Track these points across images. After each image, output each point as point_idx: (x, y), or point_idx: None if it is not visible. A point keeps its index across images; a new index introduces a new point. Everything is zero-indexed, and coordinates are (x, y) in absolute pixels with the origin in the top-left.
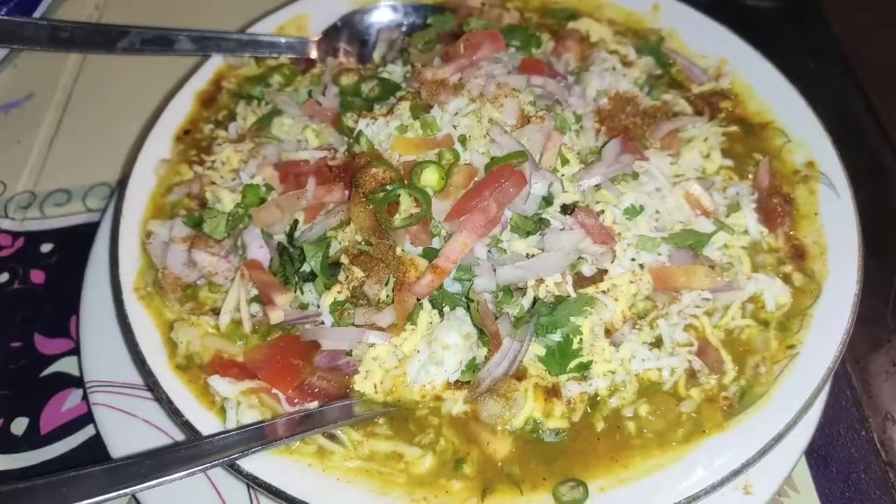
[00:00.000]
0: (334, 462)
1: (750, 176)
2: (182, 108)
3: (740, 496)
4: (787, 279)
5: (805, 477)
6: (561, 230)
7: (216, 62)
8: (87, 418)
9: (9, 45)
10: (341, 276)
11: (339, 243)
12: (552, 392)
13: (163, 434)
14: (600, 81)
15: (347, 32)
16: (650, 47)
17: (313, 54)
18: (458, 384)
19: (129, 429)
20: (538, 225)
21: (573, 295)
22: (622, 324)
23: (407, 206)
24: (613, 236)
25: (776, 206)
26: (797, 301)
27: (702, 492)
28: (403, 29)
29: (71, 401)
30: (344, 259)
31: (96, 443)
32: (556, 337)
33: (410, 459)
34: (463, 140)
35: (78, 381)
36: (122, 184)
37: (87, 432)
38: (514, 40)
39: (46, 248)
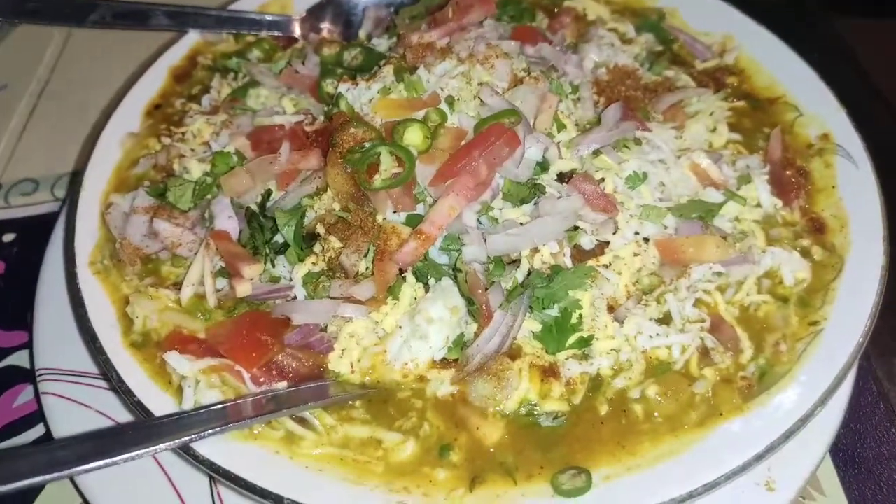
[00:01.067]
0: (304, 449)
1: (760, 151)
2: (154, 82)
3: (762, 492)
4: (805, 253)
5: (832, 479)
6: (558, 198)
7: (192, 38)
8: (38, 416)
9: None
10: (317, 248)
11: (315, 212)
12: (549, 372)
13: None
14: (598, 53)
15: (332, 11)
16: (650, 24)
17: (296, 33)
18: (444, 363)
19: (80, 420)
20: (532, 192)
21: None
22: (626, 299)
23: (388, 165)
24: (615, 204)
25: (790, 178)
26: (818, 276)
27: (721, 478)
28: (391, 8)
29: (23, 397)
30: (320, 229)
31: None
32: (554, 312)
33: (390, 446)
34: (451, 102)
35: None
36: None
37: (38, 430)
38: (507, 13)
39: (9, 237)
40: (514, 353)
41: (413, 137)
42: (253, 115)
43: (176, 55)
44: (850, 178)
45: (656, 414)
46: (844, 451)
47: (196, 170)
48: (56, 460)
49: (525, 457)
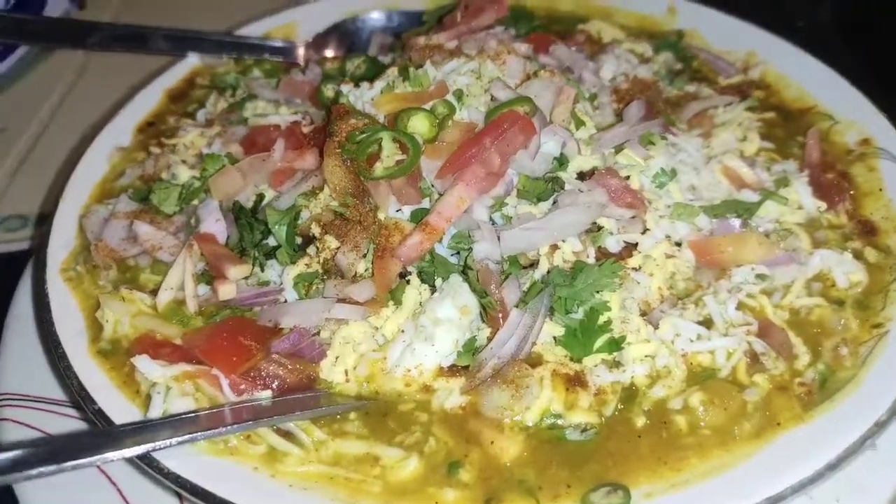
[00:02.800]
0: (288, 466)
1: (795, 159)
2: (148, 101)
3: None
4: (857, 256)
5: None
6: (579, 193)
7: (192, 61)
8: None
9: None
10: (311, 250)
11: (310, 212)
12: (575, 380)
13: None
14: (616, 65)
15: (337, 38)
16: (669, 43)
17: (300, 59)
18: (452, 370)
19: None
20: (550, 187)
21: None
22: (659, 302)
23: (390, 152)
24: (643, 200)
25: (832, 181)
26: (874, 278)
27: (787, 490)
28: (397, 34)
29: None
30: (315, 229)
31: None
32: (578, 315)
33: (389, 463)
34: (459, 95)
35: None
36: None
37: None
38: (519, 31)
39: None
40: (534, 362)
41: (418, 125)
42: (248, 126)
43: (173, 77)
44: None
45: (702, 424)
46: None
47: (184, 175)
48: None
49: (549, 475)
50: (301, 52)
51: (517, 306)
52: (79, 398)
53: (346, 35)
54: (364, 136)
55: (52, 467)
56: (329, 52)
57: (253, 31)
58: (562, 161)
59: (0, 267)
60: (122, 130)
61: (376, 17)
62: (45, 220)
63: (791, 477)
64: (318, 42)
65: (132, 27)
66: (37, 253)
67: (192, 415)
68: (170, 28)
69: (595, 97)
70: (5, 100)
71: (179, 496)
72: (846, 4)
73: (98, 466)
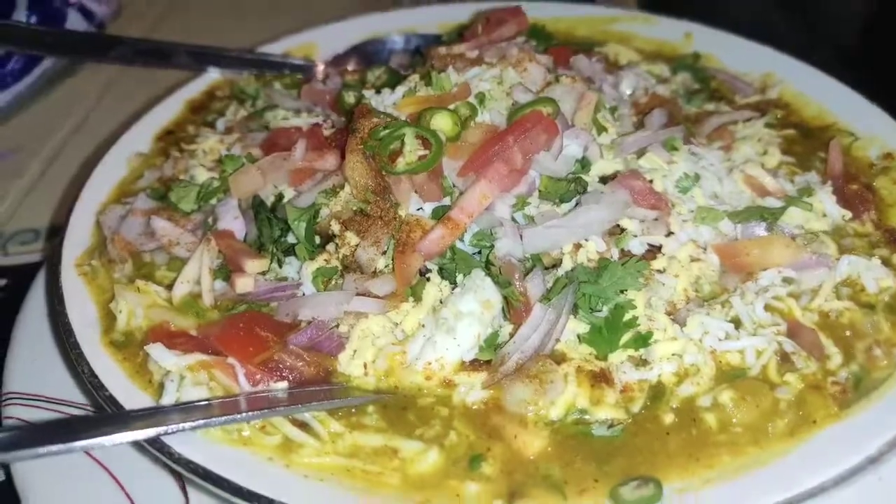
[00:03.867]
0: (303, 456)
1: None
2: (168, 111)
3: None
4: (885, 263)
5: None
6: (602, 194)
7: (213, 76)
8: None
9: None
10: (330, 247)
11: (330, 210)
12: (601, 377)
13: (86, 458)
14: (635, 81)
15: (356, 58)
16: (685, 65)
17: (319, 77)
18: (475, 365)
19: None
20: (573, 188)
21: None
22: (685, 303)
23: (413, 148)
24: (666, 201)
25: (856, 192)
26: None
27: (829, 482)
28: (416, 55)
29: None
30: (335, 226)
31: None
32: (603, 313)
33: (408, 455)
34: (481, 98)
35: None
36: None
37: None
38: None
39: (1, 282)
40: (558, 359)
41: (441, 123)
42: (268, 131)
43: (194, 89)
44: None
45: (734, 420)
46: None
47: (203, 176)
48: None
49: (575, 469)
50: (321, 68)
51: (541, 301)
52: (89, 385)
53: (365, 56)
54: (387, 131)
55: (60, 446)
56: (348, 70)
57: (273, 49)
58: (584, 164)
59: (12, 277)
60: (141, 137)
61: (395, 39)
62: (55, 232)
63: (831, 470)
64: (338, 61)
65: (154, 42)
66: (50, 254)
67: (206, 402)
68: (191, 44)
69: (615, 109)
70: (25, 119)
71: (185, 495)
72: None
73: (101, 463)
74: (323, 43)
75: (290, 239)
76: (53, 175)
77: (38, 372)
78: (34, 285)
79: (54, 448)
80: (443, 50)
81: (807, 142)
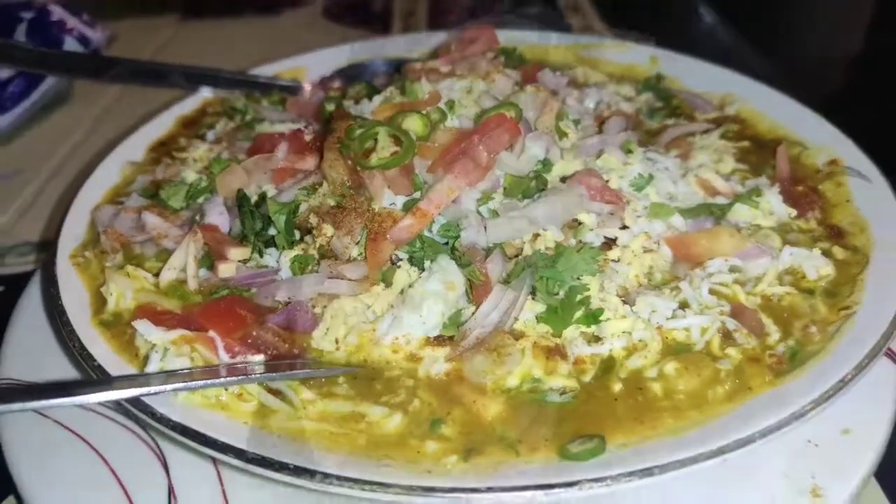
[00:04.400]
0: (276, 421)
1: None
2: (161, 125)
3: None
4: (826, 254)
5: None
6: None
7: (206, 94)
8: None
9: None
10: (308, 239)
11: (309, 206)
12: (555, 351)
13: (76, 437)
14: (599, 96)
15: (341, 80)
16: (649, 85)
17: (306, 96)
18: (439, 339)
19: (34, 430)
20: (535, 185)
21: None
22: (637, 287)
23: (385, 144)
24: (621, 197)
25: (802, 192)
26: (842, 271)
27: (756, 434)
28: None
29: None
30: (313, 219)
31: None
32: (559, 296)
33: (374, 419)
34: (451, 105)
35: None
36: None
37: None
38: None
39: None
40: (517, 336)
41: (412, 124)
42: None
43: (187, 106)
44: (865, 191)
45: (680, 388)
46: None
47: (192, 177)
48: None
49: (529, 431)
50: (308, 88)
51: (501, 282)
52: (79, 357)
53: (349, 78)
54: (362, 130)
55: (51, 401)
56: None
57: (264, 72)
58: (545, 164)
59: (8, 284)
60: (135, 148)
61: (378, 63)
62: (48, 245)
63: (761, 423)
64: (323, 83)
65: (150, 63)
66: (47, 248)
67: (187, 370)
68: (186, 65)
69: (579, 121)
70: (24, 141)
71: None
72: None
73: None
74: (311, 67)
75: (271, 231)
76: (51, 192)
77: (29, 359)
78: (29, 288)
79: (46, 403)
80: (417, 65)
81: (760, 152)
